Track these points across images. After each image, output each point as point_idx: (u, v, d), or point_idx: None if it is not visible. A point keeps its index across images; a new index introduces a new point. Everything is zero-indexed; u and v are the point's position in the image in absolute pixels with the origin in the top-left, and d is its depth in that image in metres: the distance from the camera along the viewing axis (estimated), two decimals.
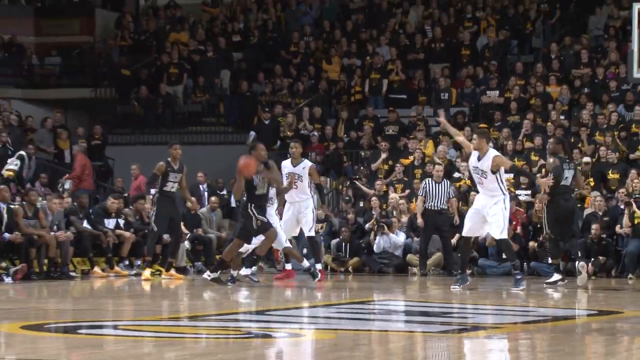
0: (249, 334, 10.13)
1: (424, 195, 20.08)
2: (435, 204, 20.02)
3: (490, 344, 9.71)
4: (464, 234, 16.03)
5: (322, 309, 13.53)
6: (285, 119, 26.10)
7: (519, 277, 15.83)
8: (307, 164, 17.52)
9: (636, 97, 24.21)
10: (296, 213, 17.24)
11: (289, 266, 18.14)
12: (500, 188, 15.39)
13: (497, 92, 25.94)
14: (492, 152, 15.60)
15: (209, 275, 16.18)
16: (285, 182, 16.73)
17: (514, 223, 20.19)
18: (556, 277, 16.48)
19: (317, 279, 16.83)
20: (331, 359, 8.54)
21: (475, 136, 16.29)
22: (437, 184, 20.10)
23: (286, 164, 17.50)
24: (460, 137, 17.10)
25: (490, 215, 15.42)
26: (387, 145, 24.05)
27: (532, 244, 19.82)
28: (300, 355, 8.86)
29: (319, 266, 17.50)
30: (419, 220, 20.13)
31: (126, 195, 21.65)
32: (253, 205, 15.63)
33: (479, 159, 15.42)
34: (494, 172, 15.26)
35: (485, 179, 15.39)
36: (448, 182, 20.59)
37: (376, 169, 23.59)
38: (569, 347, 9.35)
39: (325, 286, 16.80)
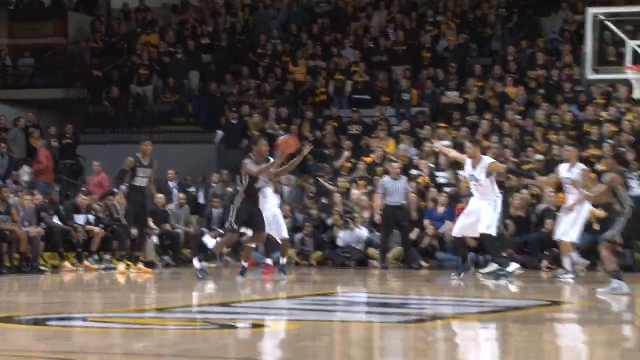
0: (214, 325, 10.10)
1: (382, 191, 20.23)
2: (394, 200, 20.15)
3: (446, 333, 9.74)
4: (453, 234, 16.77)
5: (286, 301, 13.52)
6: (251, 118, 26.09)
7: (501, 272, 16.03)
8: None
9: (588, 98, 24.37)
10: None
11: (269, 261, 17.99)
12: (494, 190, 16.08)
13: (457, 93, 26.04)
14: (487, 160, 16.16)
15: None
16: None
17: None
18: (513, 266, 16.59)
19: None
20: (294, 349, 8.53)
21: (469, 144, 16.51)
22: (395, 181, 20.25)
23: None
24: (453, 153, 17.48)
25: (482, 213, 15.96)
26: (350, 144, 24.10)
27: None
28: (264, 345, 8.84)
29: (269, 260, 17.59)
30: (376, 217, 20.28)
31: (84, 189, 21.38)
32: (248, 196, 15.56)
33: (473, 166, 15.97)
34: (487, 177, 15.84)
35: (480, 185, 15.98)
36: (406, 178, 20.71)
37: (339, 167, 23.60)
38: (521, 336, 9.40)
39: (289, 279, 16.77)
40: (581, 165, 16.95)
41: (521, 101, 25.12)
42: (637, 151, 20.71)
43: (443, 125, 24.54)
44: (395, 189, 20.21)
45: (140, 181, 17.79)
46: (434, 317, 11.14)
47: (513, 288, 15.37)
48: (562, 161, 17.34)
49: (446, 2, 29.66)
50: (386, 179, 20.45)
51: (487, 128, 23.61)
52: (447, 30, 28.47)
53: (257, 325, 10.18)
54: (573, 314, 11.88)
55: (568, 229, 16.68)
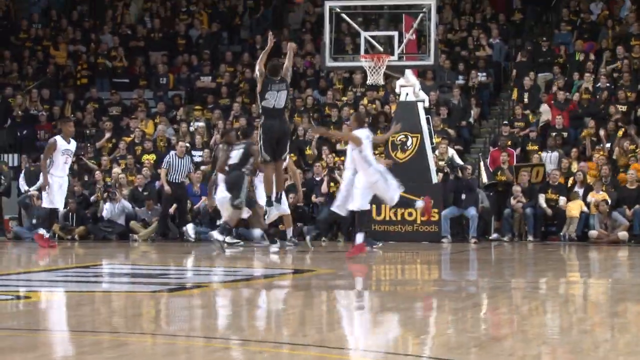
0: None
1: (167, 167, 20.01)
2: (177, 177, 20.00)
3: (197, 300, 9.80)
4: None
5: (50, 273, 13.20)
6: (15, 99, 25.33)
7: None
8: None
9: (329, 84, 24.90)
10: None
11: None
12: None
13: (210, 77, 26.09)
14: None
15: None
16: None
17: None
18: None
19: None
20: (55, 318, 8.38)
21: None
22: (179, 159, 20.07)
23: (62, 143, 17.03)
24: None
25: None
26: (110, 125, 23.74)
27: None
28: (27, 314, 8.62)
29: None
30: (166, 188, 19.94)
31: None
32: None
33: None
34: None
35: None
36: (190, 158, 20.61)
37: (100, 147, 23.22)
38: (270, 301, 9.57)
39: (51, 252, 16.38)
40: None
41: None
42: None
43: (198, 107, 24.60)
44: (179, 167, 20.05)
45: None
46: (186, 286, 11.18)
47: (264, 258, 15.61)
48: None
49: None
50: (172, 155, 20.18)
51: (238, 110, 23.77)
52: (199, 19, 28.50)
53: (20, 297, 9.92)
54: (316, 281, 12.16)
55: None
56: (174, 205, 20.18)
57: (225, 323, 8.25)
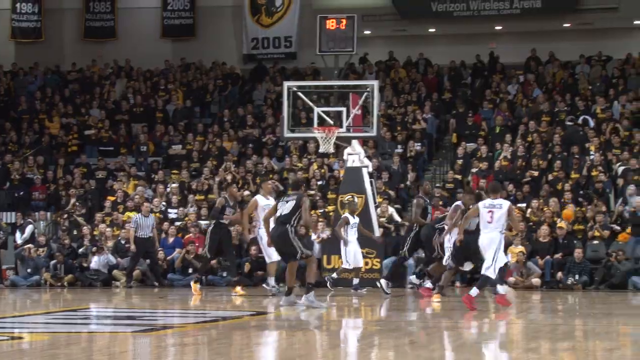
0: None
1: (135, 226, 19.90)
2: (144, 233, 19.88)
3: (172, 340, 9.70)
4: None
5: (42, 316, 13.02)
6: (13, 164, 25.16)
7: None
8: None
9: (286, 152, 24.97)
10: None
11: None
12: None
13: (180, 146, 26.10)
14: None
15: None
16: None
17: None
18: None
19: None
20: (47, 356, 8.25)
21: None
22: (145, 218, 19.99)
23: None
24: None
25: None
26: (74, 192, 23.65)
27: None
28: (21, 353, 8.49)
29: None
30: (132, 247, 19.85)
31: None
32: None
33: None
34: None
35: None
36: (153, 216, 20.53)
37: (70, 209, 23.12)
38: (234, 340, 9.50)
39: (43, 298, 16.16)
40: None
41: (235, 152, 25.45)
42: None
43: (174, 172, 24.63)
44: (145, 224, 19.96)
45: None
46: (164, 327, 11.06)
47: (227, 300, 15.49)
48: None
49: (175, 74, 29.76)
50: (139, 215, 20.14)
51: (208, 173, 23.75)
52: (176, 95, 28.59)
53: (13, 338, 9.76)
54: (275, 322, 12.09)
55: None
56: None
57: (192, 359, 8.18)
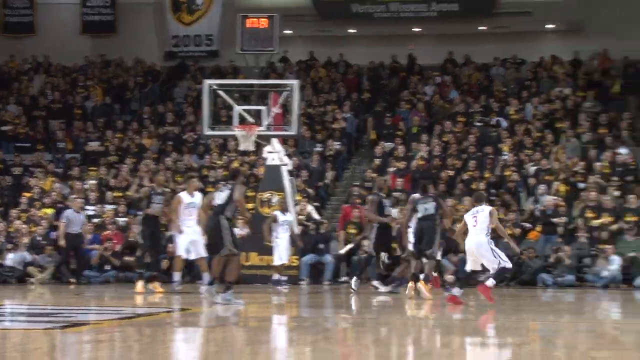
0: None
1: (66, 221, 19.55)
2: (75, 229, 19.55)
3: (88, 336, 9.56)
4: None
5: None
6: None
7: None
8: None
9: (206, 149, 24.84)
10: None
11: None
12: None
13: (98, 142, 25.76)
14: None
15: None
16: None
17: (114, 242, 20.05)
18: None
19: None
20: None
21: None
22: (77, 214, 19.65)
23: None
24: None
25: None
26: (13, 182, 23.21)
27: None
28: None
29: None
30: (61, 242, 19.51)
31: None
32: None
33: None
34: None
35: None
36: (83, 213, 20.23)
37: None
38: (149, 336, 9.41)
39: None
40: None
41: (155, 149, 25.22)
42: None
43: (92, 168, 24.29)
44: (77, 220, 19.61)
45: None
46: (79, 323, 10.88)
47: (145, 297, 15.32)
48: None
49: (94, 70, 29.35)
50: (70, 211, 19.76)
51: (127, 171, 23.47)
52: (94, 92, 28.17)
53: None
54: (191, 319, 12.01)
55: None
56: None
57: (107, 355, 8.07)
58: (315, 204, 22.10)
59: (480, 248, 13.55)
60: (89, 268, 20.07)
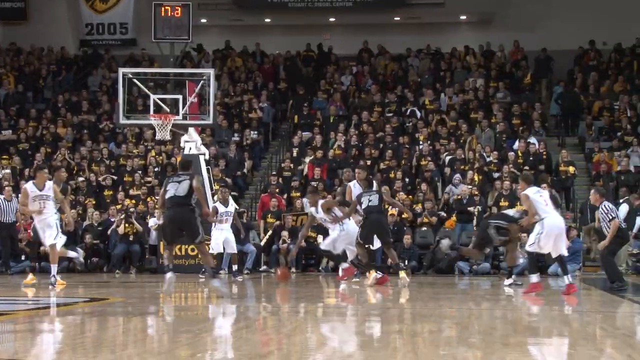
0: None
1: None
2: (7, 218, 18.97)
3: (3, 327, 9.32)
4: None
5: None
6: None
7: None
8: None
9: (123, 138, 24.51)
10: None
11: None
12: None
13: (10, 131, 25.18)
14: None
15: None
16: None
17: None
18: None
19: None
20: None
21: None
22: (7, 202, 19.07)
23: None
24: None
25: None
26: None
27: None
28: None
29: None
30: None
31: None
32: None
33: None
34: None
35: None
36: (16, 200, 19.65)
37: None
38: (66, 326, 9.22)
39: None
40: None
41: (70, 139, 24.76)
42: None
43: (5, 157, 23.72)
44: (9, 209, 19.00)
45: None
46: None
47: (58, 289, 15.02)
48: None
49: (5, 57, 28.64)
50: (1, 198, 19.13)
51: (40, 159, 23.00)
52: (7, 79, 27.47)
53: None
54: (110, 308, 11.82)
55: None
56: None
57: (22, 345, 7.89)
58: (233, 193, 21.99)
59: (562, 231, 13.36)
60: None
